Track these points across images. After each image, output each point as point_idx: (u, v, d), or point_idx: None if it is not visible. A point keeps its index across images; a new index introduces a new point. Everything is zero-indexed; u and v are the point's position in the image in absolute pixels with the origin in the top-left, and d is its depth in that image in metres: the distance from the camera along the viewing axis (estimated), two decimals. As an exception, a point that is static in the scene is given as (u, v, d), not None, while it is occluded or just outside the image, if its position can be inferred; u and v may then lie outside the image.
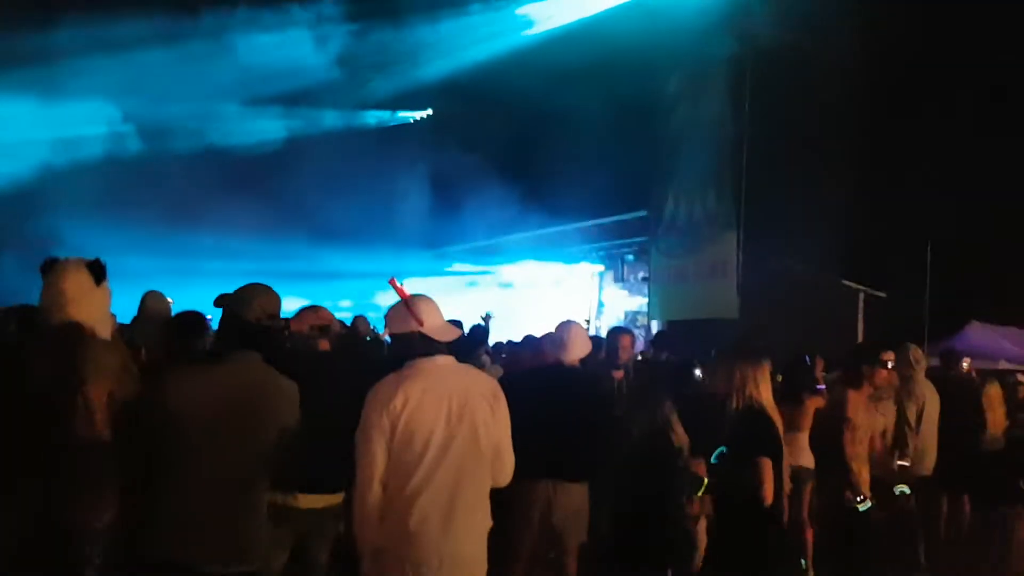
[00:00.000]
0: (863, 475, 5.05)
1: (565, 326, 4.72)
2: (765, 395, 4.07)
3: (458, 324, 6.61)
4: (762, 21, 12.63)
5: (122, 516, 2.80)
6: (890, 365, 5.44)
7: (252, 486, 2.98)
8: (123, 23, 16.21)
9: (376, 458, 2.91)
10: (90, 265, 2.88)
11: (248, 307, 3.14)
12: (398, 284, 3.40)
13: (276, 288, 3.43)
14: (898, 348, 6.64)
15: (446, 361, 3.13)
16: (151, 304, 4.91)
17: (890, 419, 6.18)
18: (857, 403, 5.27)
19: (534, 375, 4.81)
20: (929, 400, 6.44)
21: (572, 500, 4.38)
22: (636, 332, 17.89)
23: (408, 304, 3.14)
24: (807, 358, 6.85)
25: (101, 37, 16.23)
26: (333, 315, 4.51)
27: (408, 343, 3.09)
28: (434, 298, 3.25)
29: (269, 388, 3.07)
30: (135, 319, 5.03)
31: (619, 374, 5.59)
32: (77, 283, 2.82)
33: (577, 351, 4.62)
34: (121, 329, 5.19)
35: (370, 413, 2.94)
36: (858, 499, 4.89)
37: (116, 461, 2.77)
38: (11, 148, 17.53)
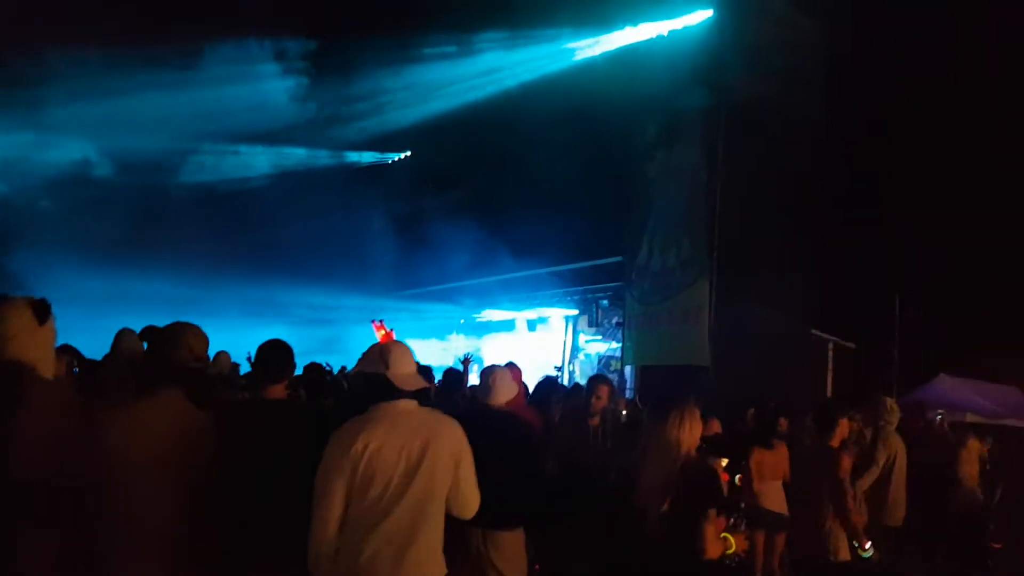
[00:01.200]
0: (848, 524, 5.05)
1: (489, 371, 4.71)
2: (687, 436, 3.91)
3: (428, 370, 6.57)
4: (736, 73, 12.89)
5: (59, 560, 2.68)
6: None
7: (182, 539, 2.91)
8: (94, 60, 16.19)
9: (334, 499, 2.96)
10: (34, 304, 2.82)
11: (177, 348, 3.12)
12: (379, 324, 3.47)
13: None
14: (871, 400, 6.69)
15: (409, 406, 3.19)
16: (125, 343, 4.83)
17: (861, 470, 6.20)
18: (841, 454, 5.29)
19: (460, 420, 4.77)
20: (900, 451, 6.45)
21: (505, 547, 4.31)
22: (610, 377, 17.90)
23: (380, 348, 3.27)
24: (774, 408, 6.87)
25: (70, 73, 16.21)
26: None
27: (372, 384, 3.16)
28: (408, 342, 3.32)
29: (190, 429, 3.03)
30: (107, 356, 4.94)
31: (595, 421, 5.59)
32: (19, 322, 2.76)
33: (501, 395, 4.60)
34: (93, 365, 5.08)
35: (331, 455, 3.00)
36: (865, 547, 4.92)
37: (55, 502, 2.66)
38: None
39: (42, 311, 2.82)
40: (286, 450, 3.25)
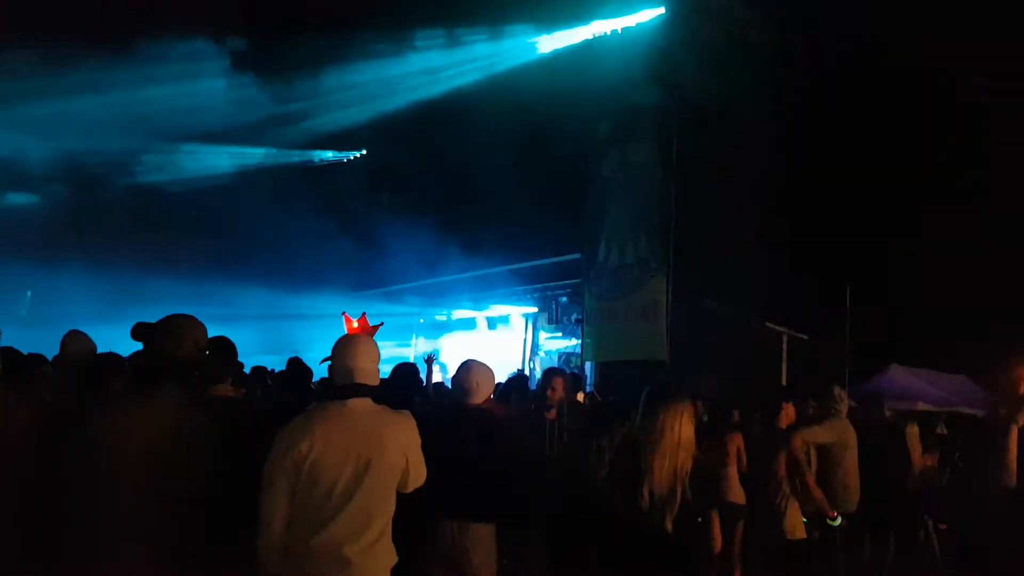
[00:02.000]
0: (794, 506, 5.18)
1: (464, 367, 4.75)
2: (684, 434, 4.09)
3: (413, 368, 6.59)
4: (687, 70, 13.03)
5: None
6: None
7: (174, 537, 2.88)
8: (49, 62, 15.83)
9: (278, 498, 2.96)
10: None
11: (178, 342, 3.05)
12: (349, 317, 3.54)
13: (213, 325, 3.35)
14: (824, 388, 6.83)
15: (360, 404, 3.16)
16: (70, 345, 4.74)
17: (812, 456, 6.33)
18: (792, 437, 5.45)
19: (436, 416, 4.82)
20: (850, 438, 6.60)
21: (477, 538, 4.37)
22: (568, 373, 17.98)
23: (340, 340, 3.28)
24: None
25: (27, 78, 15.85)
26: None
27: (331, 377, 3.21)
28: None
29: (192, 426, 3.02)
30: (55, 359, 4.86)
31: (552, 414, 5.54)
32: None
33: (480, 392, 4.64)
34: (29, 364, 4.97)
35: (275, 456, 2.99)
36: (832, 516, 5.07)
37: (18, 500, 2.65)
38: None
39: None
40: (234, 450, 3.21)
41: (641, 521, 3.86)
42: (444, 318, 22.08)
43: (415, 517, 4.26)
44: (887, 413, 9.54)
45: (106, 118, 17.43)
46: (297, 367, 6.75)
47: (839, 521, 5.17)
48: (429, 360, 8.94)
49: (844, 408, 6.69)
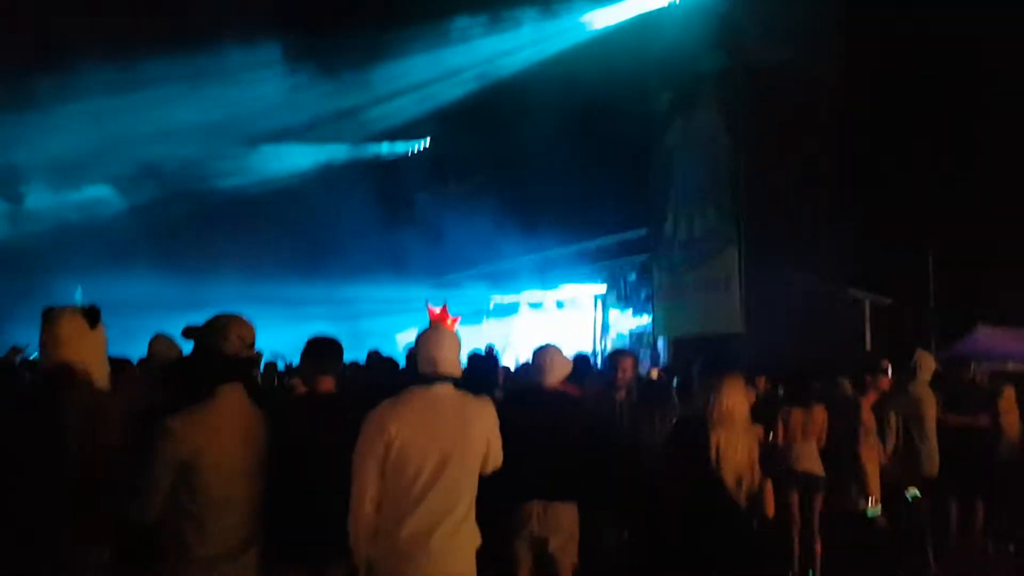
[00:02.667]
0: (874, 480, 5.05)
1: (542, 350, 4.79)
2: (740, 411, 4.05)
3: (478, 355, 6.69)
4: (753, 34, 12.68)
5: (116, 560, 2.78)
6: (889, 371, 5.48)
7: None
8: (119, 70, 16.37)
9: (368, 479, 3.05)
10: (85, 310, 2.96)
11: (226, 338, 3.15)
12: (432, 307, 3.62)
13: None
14: (905, 355, 6.64)
15: (444, 390, 3.25)
16: (158, 349, 4.85)
17: (893, 425, 6.18)
18: (867, 410, 5.29)
19: (517, 399, 4.89)
20: (928, 404, 6.42)
21: (561, 520, 4.41)
22: (641, 351, 17.81)
23: (424, 331, 3.40)
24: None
25: (98, 85, 16.43)
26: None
27: (412, 365, 3.39)
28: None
29: (260, 422, 3.17)
30: (141, 362, 4.99)
31: (621, 394, 5.56)
32: (70, 327, 2.89)
33: (555, 374, 4.68)
34: (122, 368, 5.14)
35: (365, 438, 3.08)
36: (868, 505, 4.92)
37: (99, 507, 2.76)
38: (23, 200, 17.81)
39: (92, 316, 2.95)
40: (332, 443, 3.29)
41: (709, 497, 3.82)
42: (512, 301, 22.13)
43: (499, 499, 4.34)
44: (979, 375, 9.21)
45: (175, 122, 17.99)
46: (377, 360, 6.87)
47: (877, 513, 5.04)
48: (489, 352, 9.01)
49: (926, 374, 6.50)
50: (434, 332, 3.36)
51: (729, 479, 3.90)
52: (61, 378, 2.82)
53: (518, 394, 5.10)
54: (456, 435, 3.16)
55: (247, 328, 3.24)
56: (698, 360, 4.32)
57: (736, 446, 3.95)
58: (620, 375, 5.54)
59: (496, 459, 3.37)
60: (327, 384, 3.74)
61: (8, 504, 2.67)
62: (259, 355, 3.58)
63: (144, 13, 15.95)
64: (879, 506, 5.07)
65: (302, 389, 4.26)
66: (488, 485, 3.38)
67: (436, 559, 3.04)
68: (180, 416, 2.96)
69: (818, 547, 5.89)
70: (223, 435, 2.99)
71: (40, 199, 19.00)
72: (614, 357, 5.77)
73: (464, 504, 3.17)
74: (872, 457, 5.35)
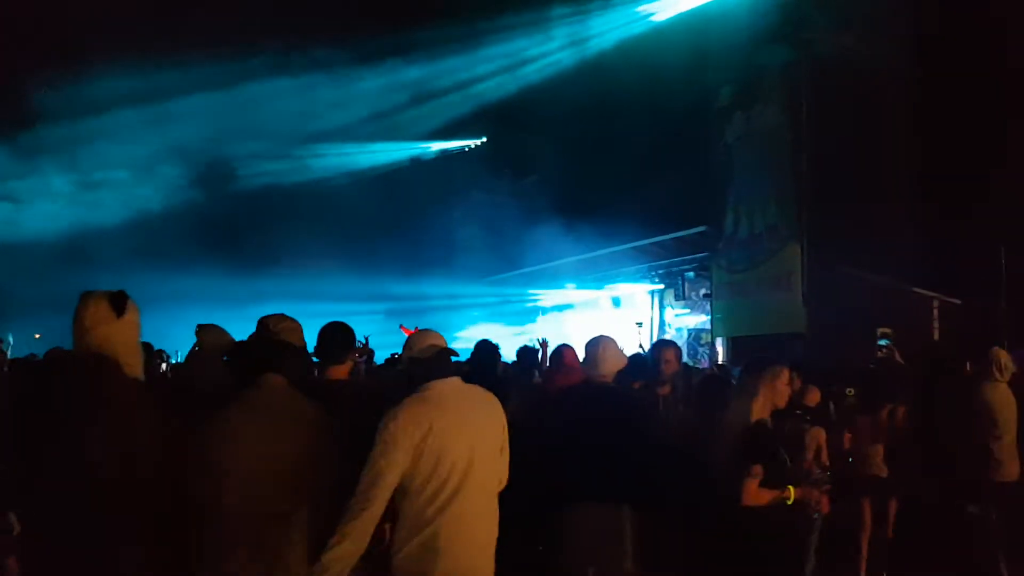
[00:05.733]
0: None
1: (595, 341, 4.58)
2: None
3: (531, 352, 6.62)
4: (817, 25, 12.37)
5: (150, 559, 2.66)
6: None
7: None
8: (172, 70, 16.74)
9: (387, 474, 2.89)
10: (111, 296, 2.84)
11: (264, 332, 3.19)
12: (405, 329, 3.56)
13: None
14: (976, 355, 6.39)
15: (461, 384, 3.20)
16: (209, 339, 4.76)
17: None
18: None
19: (565, 395, 4.70)
20: (1004, 405, 6.15)
21: (607, 521, 4.22)
22: (699, 350, 17.58)
23: (419, 333, 3.31)
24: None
25: (147, 87, 16.83)
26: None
27: (410, 374, 3.18)
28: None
29: (305, 418, 3.05)
30: (190, 355, 4.92)
31: (665, 389, 5.24)
32: (97, 314, 2.78)
33: (609, 366, 4.47)
34: (176, 366, 5.11)
35: (396, 432, 2.93)
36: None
37: (144, 501, 2.65)
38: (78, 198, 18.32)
39: (119, 303, 2.82)
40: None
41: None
42: (568, 299, 22.07)
43: (548, 501, 4.22)
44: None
45: (235, 121, 18.36)
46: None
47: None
48: (544, 345, 8.91)
49: (1006, 375, 6.22)
50: (422, 332, 3.30)
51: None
52: (87, 367, 2.73)
53: (570, 389, 4.82)
54: (481, 432, 3.12)
55: (284, 324, 3.23)
56: (744, 360, 4.15)
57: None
58: (665, 368, 5.19)
59: (507, 455, 3.30)
60: (340, 373, 3.68)
61: (37, 502, 2.60)
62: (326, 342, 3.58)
63: (201, 16, 16.28)
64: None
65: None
66: (535, 484, 3.34)
67: (463, 556, 2.99)
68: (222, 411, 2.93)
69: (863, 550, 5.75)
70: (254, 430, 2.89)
71: (109, 195, 19.47)
72: (657, 348, 5.45)
73: (491, 501, 3.15)
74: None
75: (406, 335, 3.42)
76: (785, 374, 3.96)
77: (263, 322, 3.30)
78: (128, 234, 18.60)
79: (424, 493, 2.95)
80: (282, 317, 3.24)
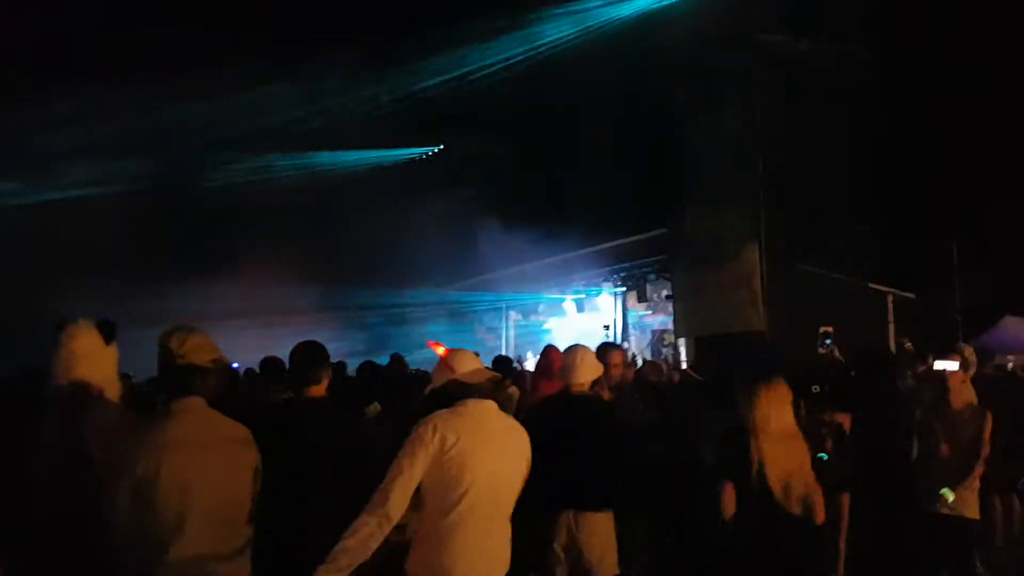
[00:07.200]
0: None
1: (571, 351, 4.59)
2: (786, 420, 3.92)
3: (505, 360, 6.56)
4: (773, 30, 12.60)
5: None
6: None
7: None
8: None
9: (415, 471, 2.95)
10: (100, 325, 2.87)
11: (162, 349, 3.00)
12: (433, 344, 3.56)
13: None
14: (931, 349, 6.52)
15: (496, 409, 3.28)
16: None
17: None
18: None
19: (546, 404, 4.70)
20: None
21: (596, 529, 4.25)
22: (663, 351, 17.75)
23: (443, 360, 3.35)
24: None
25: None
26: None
27: (446, 392, 3.23)
28: (457, 331, 3.37)
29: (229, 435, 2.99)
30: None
31: (607, 394, 5.11)
32: (87, 342, 2.81)
33: (586, 375, 4.48)
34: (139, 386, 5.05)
35: (425, 435, 3.01)
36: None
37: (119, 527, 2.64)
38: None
39: (108, 331, 2.87)
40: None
41: (764, 511, 3.76)
42: (532, 304, 22.12)
43: (529, 510, 4.26)
44: (1010, 365, 9.08)
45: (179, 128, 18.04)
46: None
47: (946, 493, 4.93)
48: (520, 361, 8.93)
49: (969, 370, 6.31)
50: (458, 354, 3.36)
51: (776, 488, 3.80)
52: (78, 397, 2.74)
53: (549, 400, 4.82)
54: (502, 452, 3.18)
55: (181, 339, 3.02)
56: (739, 368, 4.14)
57: (780, 454, 3.83)
58: (612, 372, 5.06)
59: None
60: (318, 391, 3.69)
61: (32, 528, 2.61)
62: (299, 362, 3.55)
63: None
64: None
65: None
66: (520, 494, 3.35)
67: (477, 566, 3.04)
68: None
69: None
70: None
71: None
72: (601, 352, 5.10)
73: (505, 516, 3.19)
74: None
75: (433, 350, 3.46)
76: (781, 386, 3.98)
77: (164, 345, 2.91)
78: (72, 250, 18.02)
79: (442, 504, 3.00)
80: (184, 337, 2.89)
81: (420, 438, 3.00)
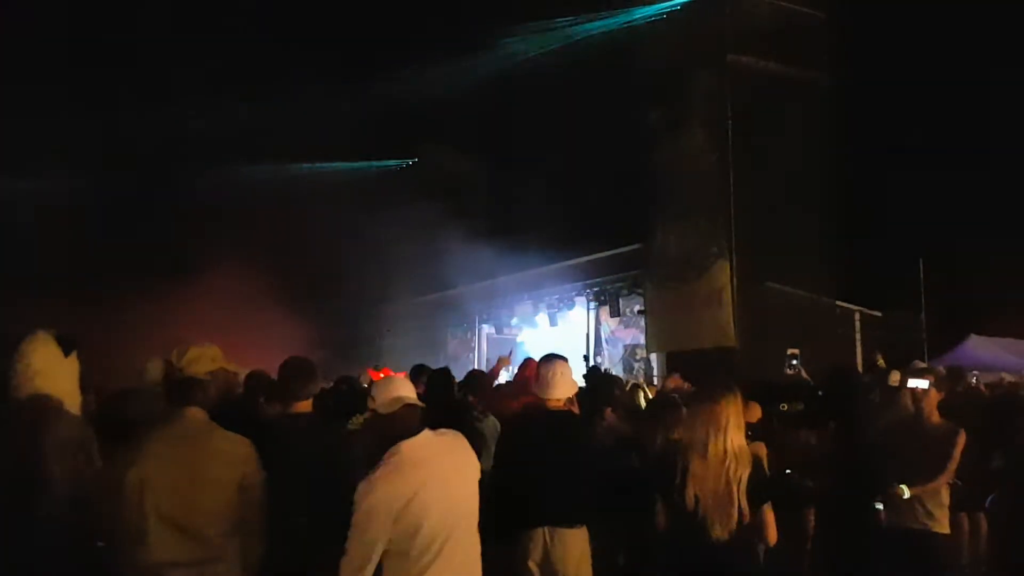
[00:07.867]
0: None
1: (548, 364, 4.46)
2: (734, 441, 3.78)
3: (443, 373, 6.27)
4: (739, 51, 12.79)
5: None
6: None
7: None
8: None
9: (375, 548, 2.87)
10: (59, 338, 2.84)
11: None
12: (373, 372, 3.47)
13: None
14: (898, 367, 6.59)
15: (432, 439, 3.11)
16: (151, 374, 4.66)
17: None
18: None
19: (520, 420, 4.65)
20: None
21: (571, 546, 4.20)
22: (635, 365, 17.81)
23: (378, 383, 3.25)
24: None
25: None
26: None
27: (372, 425, 3.14)
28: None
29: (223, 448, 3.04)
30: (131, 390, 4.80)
31: (576, 408, 4.97)
32: (45, 356, 2.77)
33: (562, 391, 4.39)
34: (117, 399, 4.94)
35: (376, 505, 2.87)
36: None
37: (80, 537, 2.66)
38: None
39: (67, 344, 2.83)
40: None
41: (690, 529, 3.66)
42: (505, 318, 22.08)
43: (504, 527, 4.17)
44: (981, 386, 9.21)
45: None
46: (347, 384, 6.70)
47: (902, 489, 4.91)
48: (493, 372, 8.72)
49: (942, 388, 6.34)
50: (388, 379, 3.27)
51: (692, 506, 3.64)
52: (37, 411, 2.71)
53: (523, 415, 4.75)
54: (458, 484, 3.09)
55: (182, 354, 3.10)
56: (697, 384, 4.10)
57: (709, 474, 3.67)
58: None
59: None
60: (304, 407, 3.69)
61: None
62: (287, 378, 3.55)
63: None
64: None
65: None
66: (492, 512, 3.30)
67: None
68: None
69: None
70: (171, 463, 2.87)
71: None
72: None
73: (472, 544, 3.13)
74: None
75: (373, 379, 3.35)
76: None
77: (167, 359, 3.07)
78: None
79: (409, 555, 2.92)
80: (183, 350, 3.01)
81: (372, 508, 2.86)
